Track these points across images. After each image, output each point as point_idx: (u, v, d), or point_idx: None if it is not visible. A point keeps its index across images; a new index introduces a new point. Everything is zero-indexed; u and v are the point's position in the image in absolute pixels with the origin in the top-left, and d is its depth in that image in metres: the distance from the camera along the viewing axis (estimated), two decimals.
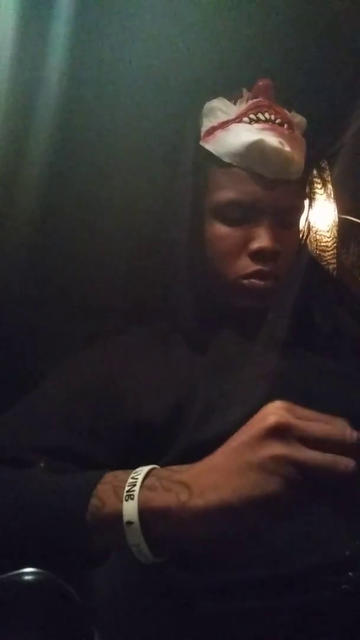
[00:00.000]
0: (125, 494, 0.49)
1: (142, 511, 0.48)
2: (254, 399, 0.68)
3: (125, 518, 0.48)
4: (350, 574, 0.56)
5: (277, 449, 0.46)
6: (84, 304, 0.88)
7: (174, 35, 0.84)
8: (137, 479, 0.50)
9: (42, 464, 0.62)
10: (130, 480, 0.50)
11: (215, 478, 0.48)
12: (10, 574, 0.48)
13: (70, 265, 0.89)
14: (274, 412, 0.49)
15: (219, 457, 0.49)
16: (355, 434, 0.47)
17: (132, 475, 0.51)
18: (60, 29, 0.78)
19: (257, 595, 0.57)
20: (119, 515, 0.49)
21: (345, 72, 0.92)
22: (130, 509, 0.48)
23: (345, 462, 0.46)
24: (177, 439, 0.67)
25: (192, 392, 0.71)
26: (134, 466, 0.66)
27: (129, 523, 0.48)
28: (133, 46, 0.84)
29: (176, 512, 0.47)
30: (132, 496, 0.49)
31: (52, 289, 0.88)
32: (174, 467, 0.52)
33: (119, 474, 0.52)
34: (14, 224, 0.84)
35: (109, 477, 0.52)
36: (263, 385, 0.70)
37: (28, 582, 0.48)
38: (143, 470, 0.51)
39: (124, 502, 0.49)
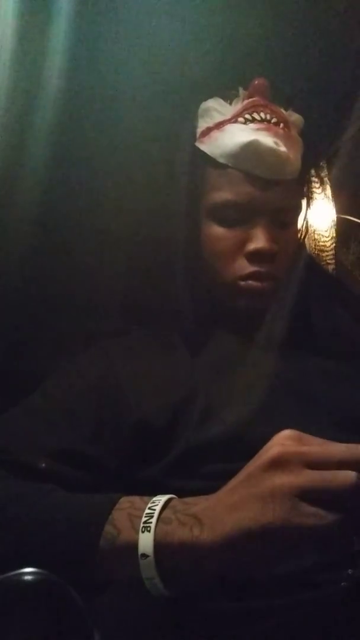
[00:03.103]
0: (142, 524, 0.49)
1: (158, 544, 0.48)
2: (254, 399, 0.68)
3: (141, 550, 0.48)
4: (349, 571, 0.56)
5: (277, 479, 0.46)
6: (84, 304, 0.88)
7: (172, 36, 0.84)
8: (154, 510, 0.50)
9: (43, 465, 0.63)
10: (147, 510, 0.50)
11: (221, 512, 0.48)
12: (10, 574, 0.48)
13: (71, 266, 0.89)
14: (280, 442, 0.48)
15: (227, 490, 0.49)
16: None
17: (150, 505, 0.51)
18: (60, 29, 0.78)
19: (257, 595, 0.57)
20: (133, 546, 0.49)
21: (345, 72, 0.91)
22: (146, 541, 0.48)
23: (344, 475, 0.45)
24: (179, 440, 0.67)
25: (192, 393, 0.70)
26: (136, 467, 0.67)
27: (144, 555, 0.48)
28: (132, 47, 0.84)
29: (190, 547, 0.48)
30: (148, 528, 0.49)
31: (53, 289, 0.89)
32: (189, 500, 0.52)
33: (136, 501, 0.52)
34: (14, 224, 0.84)
35: (125, 503, 0.52)
36: (262, 386, 0.70)
37: (28, 582, 0.48)
38: (160, 501, 0.51)
39: (140, 534, 0.49)
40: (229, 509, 0.47)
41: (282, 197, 0.78)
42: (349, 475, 0.45)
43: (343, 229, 1.01)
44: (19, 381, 0.77)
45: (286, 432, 0.49)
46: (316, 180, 0.95)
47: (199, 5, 0.84)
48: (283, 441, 0.48)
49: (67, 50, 0.79)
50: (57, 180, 0.85)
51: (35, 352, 0.86)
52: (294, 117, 0.82)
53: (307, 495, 0.45)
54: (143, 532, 0.49)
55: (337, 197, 0.98)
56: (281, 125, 0.78)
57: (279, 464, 0.47)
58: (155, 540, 0.48)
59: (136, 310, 0.87)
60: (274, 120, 0.78)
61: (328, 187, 0.98)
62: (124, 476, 0.67)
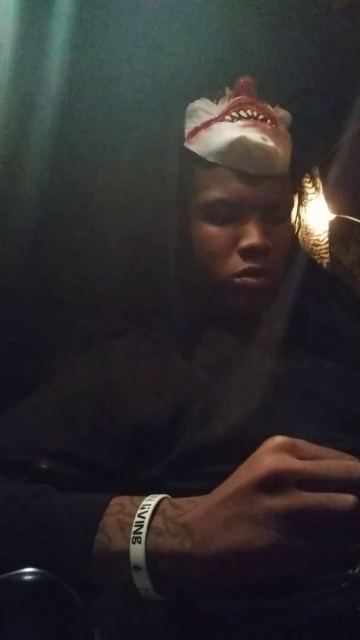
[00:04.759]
0: (132, 534, 0.49)
1: (149, 555, 0.48)
2: (252, 400, 0.68)
3: (133, 562, 0.48)
4: (349, 571, 0.56)
5: (270, 501, 0.46)
6: (83, 305, 0.88)
7: (162, 39, 0.84)
8: (144, 517, 0.50)
9: (41, 465, 0.62)
10: (137, 518, 0.50)
11: (213, 527, 0.47)
12: (10, 574, 0.48)
13: (70, 267, 0.89)
14: (272, 455, 0.47)
15: (219, 502, 0.49)
16: None
17: (139, 512, 0.50)
18: (60, 29, 0.78)
19: (257, 595, 0.57)
20: (125, 556, 0.49)
21: (344, 72, 0.92)
22: (137, 553, 0.48)
23: (342, 499, 0.44)
24: (177, 442, 0.67)
25: (191, 394, 0.70)
26: (134, 468, 0.67)
27: (137, 567, 0.48)
28: (123, 51, 0.84)
29: (181, 559, 0.48)
30: (139, 539, 0.49)
31: (52, 289, 0.89)
32: (180, 502, 0.52)
33: (126, 504, 0.52)
34: (14, 225, 0.84)
35: (116, 507, 0.52)
36: (261, 385, 0.70)
37: (28, 582, 0.48)
38: (150, 506, 0.51)
39: (132, 545, 0.49)
40: (221, 527, 0.47)
41: (273, 193, 0.78)
42: (347, 499, 0.44)
43: (342, 229, 1.01)
44: (19, 381, 0.77)
45: (278, 440, 0.48)
46: (306, 175, 0.95)
47: (190, 7, 0.84)
48: (276, 452, 0.47)
49: (68, 50, 0.79)
50: (57, 182, 0.85)
51: (35, 352, 0.85)
52: (281, 113, 0.82)
53: (302, 518, 0.45)
54: (134, 543, 0.49)
55: (337, 196, 0.98)
56: (268, 121, 0.78)
57: (272, 483, 0.46)
58: (146, 551, 0.48)
59: (134, 311, 0.87)
60: (260, 116, 0.78)
61: (319, 182, 0.97)
62: (123, 477, 0.67)
